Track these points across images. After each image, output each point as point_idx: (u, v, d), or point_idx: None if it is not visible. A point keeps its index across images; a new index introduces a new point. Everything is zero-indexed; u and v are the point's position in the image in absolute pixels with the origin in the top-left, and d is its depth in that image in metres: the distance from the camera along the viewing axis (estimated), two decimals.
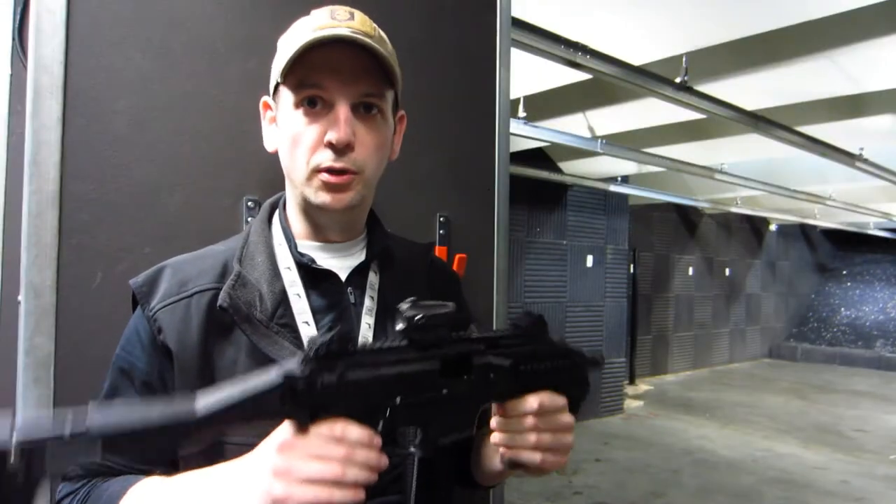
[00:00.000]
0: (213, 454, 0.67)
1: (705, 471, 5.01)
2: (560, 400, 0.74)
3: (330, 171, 0.75)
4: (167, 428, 0.52)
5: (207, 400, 0.54)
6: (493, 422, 0.74)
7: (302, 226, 0.84)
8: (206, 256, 0.82)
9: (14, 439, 0.46)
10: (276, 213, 0.86)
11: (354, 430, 0.58)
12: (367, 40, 0.73)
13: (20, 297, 0.98)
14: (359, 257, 0.86)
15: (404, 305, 0.64)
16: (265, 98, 0.84)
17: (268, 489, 0.56)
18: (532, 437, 0.71)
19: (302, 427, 0.57)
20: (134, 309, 0.80)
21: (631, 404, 7.24)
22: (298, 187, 0.79)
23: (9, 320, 1.06)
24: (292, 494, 0.56)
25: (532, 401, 0.71)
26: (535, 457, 0.71)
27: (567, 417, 0.74)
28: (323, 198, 0.77)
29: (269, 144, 0.84)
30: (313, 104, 0.75)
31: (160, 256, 0.84)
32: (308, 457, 0.56)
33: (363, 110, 0.77)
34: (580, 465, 5.06)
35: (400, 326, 0.64)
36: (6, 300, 1.15)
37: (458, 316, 0.67)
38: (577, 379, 0.78)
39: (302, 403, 0.57)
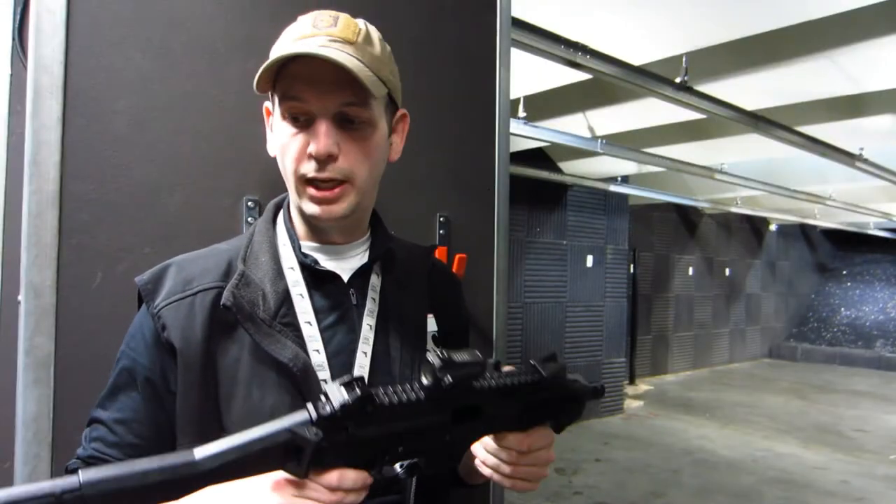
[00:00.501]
0: None
1: (705, 471, 5.01)
2: (548, 438, 0.76)
3: (316, 183, 0.76)
4: (165, 483, 0.50)
5: (208, 453, 0.53)
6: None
7: (304, 228, 0.85)
8: (210, 255, 0.83)
9: (1, 500, 0.44)
10: (281, 213, 0.87)
11: (350, 478, 0.58)
12: (338, 56, 0.71)
13: (20, 297, 0.98)
14: (361, 259, 0.86)
15: (436, 360, 0.61)
16: (266, 103, 0.85)
17: None
18: (511, 469, 0.73)
19: (300, 477, 0.57)
20: (139, 306, 0.80)
21: (631, 404, 7.24)
22: (293, 195, 0.80)
23: (9, 320, 1.07)
24: None
25: (523, 441, 0.72)
26: (508, 483, 0.75)
27: (549, 454, 0.76)
28: (313, 209, 0.78)
29: (271, 149, 0.85)
30: (296, 117, 0.76)
31: (160, 256, 0.85)
32: (302, 498, 0.57)
33: (347, 119, 0.77)
34: (580, 465, 5.06)
35: (425, 382, 0.62)
36: (6, 300, 1.15)
37: (484, 366, 0.65)
38: (572, 410, 0.79)
39: (306, 461, 0.56)
